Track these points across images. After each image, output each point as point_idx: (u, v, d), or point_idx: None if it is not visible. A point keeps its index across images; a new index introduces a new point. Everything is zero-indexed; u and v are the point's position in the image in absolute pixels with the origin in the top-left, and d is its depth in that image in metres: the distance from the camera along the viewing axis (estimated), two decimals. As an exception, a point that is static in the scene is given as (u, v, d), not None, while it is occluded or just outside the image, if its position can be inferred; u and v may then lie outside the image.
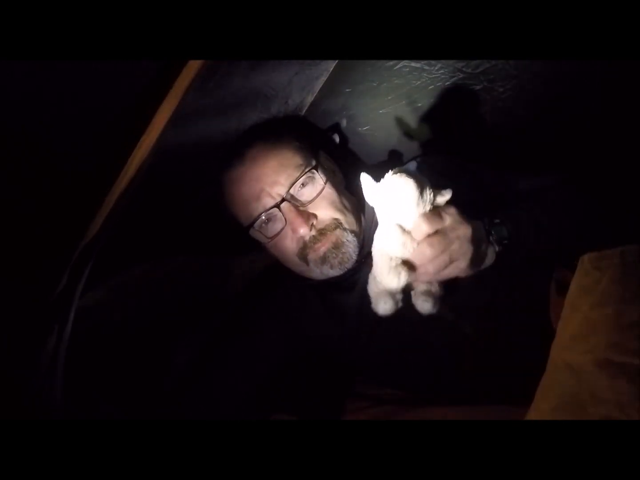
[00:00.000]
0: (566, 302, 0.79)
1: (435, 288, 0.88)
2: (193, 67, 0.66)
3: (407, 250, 0.82)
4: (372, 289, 0.90)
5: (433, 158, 1.20)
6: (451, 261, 0.83)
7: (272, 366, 1.12)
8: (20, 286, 0.72)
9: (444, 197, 0.83)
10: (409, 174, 0.80)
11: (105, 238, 0.73)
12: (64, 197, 0.71)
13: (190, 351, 1.16)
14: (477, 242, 0.86)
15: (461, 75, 1.13)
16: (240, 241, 1.17)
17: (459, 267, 0.84)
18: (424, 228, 0.81)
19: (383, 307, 0.87)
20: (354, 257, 1.06)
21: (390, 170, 0.83)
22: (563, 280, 0.93)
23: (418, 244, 0.82)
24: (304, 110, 1.20)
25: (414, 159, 1.23)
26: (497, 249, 0.90)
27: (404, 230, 0.82)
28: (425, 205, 0.81)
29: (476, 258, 0.86)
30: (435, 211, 0.83)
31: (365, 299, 1.05)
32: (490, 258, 0.90)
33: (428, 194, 0.81)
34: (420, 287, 0.88)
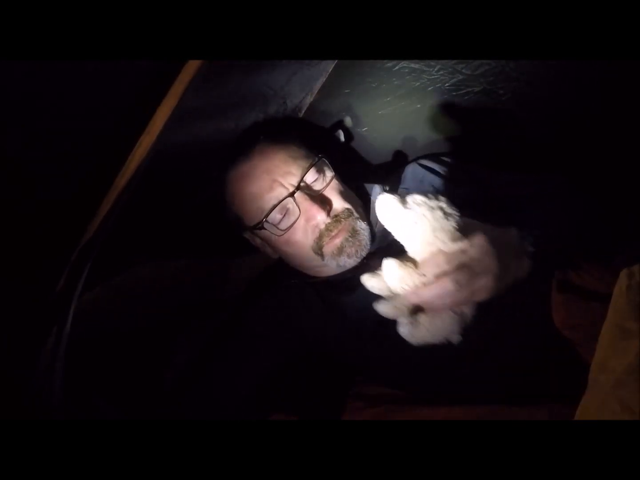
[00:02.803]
0: (612, 324, 0.67)
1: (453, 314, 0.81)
2: (192, 67, 0.66)
3: (404, 285, 0.77)
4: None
5: (433, 160, 1.20)
6: (473, 293, 0.77)
7: (272, 366, 1.12)
8: (19, 286, 0.72)
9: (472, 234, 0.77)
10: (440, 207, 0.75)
11: (103, 238, 0.73)
12: (63, 197, 0.71)
13: (190, 351, 1.16)
14: (504, 268, 0.79)
15: (460, 77, 1.13)
16: (239, 242, 1.17)
17: (480, 297, 0.79)
18: (445, 267, 0.76)
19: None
20: (369, 245, 1.06)
21: (416, 195, 0.77)
22: (564, 279, 0.93)
23: (437, 278, 0.76)
24: (303, 111, 1.21)
25: (414, 160, 1.23)
26: (534, 264, 0.84)
27: (403, 263, 0.77)
28: (445, 241, 0.76)
29: (500, 287, 0.80)
30: (459, 244, 0.77)
31: (365, 299, 1.05)
32: (522, 274, 0.84)
33: (449, 227, 0.76)
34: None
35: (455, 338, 0.82)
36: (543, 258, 0.86)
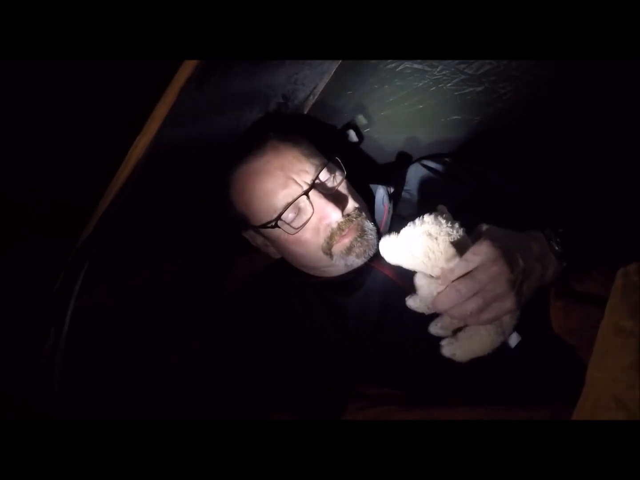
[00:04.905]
0: (608, 323, 0.67)
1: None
2: (188, 66, 0.66)
3: (429, 295, 0.83)
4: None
5: (437, 160, 1.20)
6: (487, 303, 0.79)
7: (272, 366, 1.11)
8: (17, 287, 0.72)
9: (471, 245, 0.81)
10: (429, 226, 0.80)
11: (101, 238, 0.73)
12: (60, 197, 0.71)
13: (191, 351, 1.16)
14: (525, 275, 0.81)
15: (463, 77, 1.13)
16: (240, 241, 1.17)
17: (505, 308, 0.80)
18: (449, 276, 0.79)
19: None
20: (376, 245, 1.06)
21: (406, 228, 0.82)
22: (562, 284, 0.93)
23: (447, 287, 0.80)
24: (305, 112, 1.20)
25: (416, 161, 1.23)
26: (564, 264, 0.85)
27: (431, 277, 0.82)
28: (439, 262, 0.79)
29: (527, 289, 0.81)
30: (453, 262, 0.80)
31: (367, 300, 1.05)
32: (550, 276, 0.85)
33: (441, 248, 0.79)
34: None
35: (514, 339, 0.88)
36: (571, 255, 0.86)
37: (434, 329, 0.86)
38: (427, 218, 0.80)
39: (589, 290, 0.88)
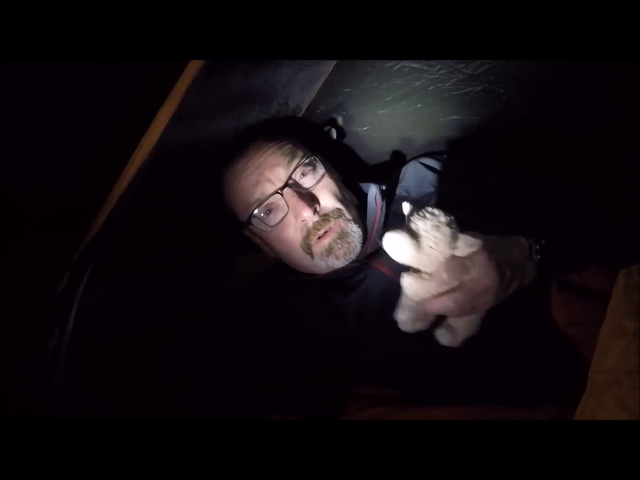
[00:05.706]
0: (610, 324, 0.67)
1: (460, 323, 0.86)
2: (194, 67, 0.66)
3: (422, 296, 0.82)
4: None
5: (435, 158, 1.20)
6: (475, 308, 0.83)
7: (272, 366, 1.11)
8: (21, 287, 0.72)
9: (472, 247, 0.81)
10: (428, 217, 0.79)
11: (105, 238, 0.73)
12: (65, 198, 0.71)
13: (191, 351, 1.16)
14: (508, 284, 0.84)
15: (461, 76, 1.13)
16: (240, 241, 1.17)
17: (484, 308, 0.85)
18: (444, 277, 0.80)
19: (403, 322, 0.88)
20: (359, 248, 1.06)
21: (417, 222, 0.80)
22: (564, 278, 0.93)
23: (441, 295, 0.81)
24: (303, 110, 1.20)
25: (414, 159, 1.23)
26: (541, 272, 0.88)
27: (419, 275, 0.82)
28: (443, 250, 0.79)
29: (505, 294, 0.85)
30: (461, 259, 0.80)
31: (365, 299, 1.05)
32: (527, 282, 0.88)
33: (443, 239, 0.78)
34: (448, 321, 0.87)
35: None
36: (549, 266, 0.88)
37: (415, 325, 0.87)
38: (435, 210, 0.81)
39: (591, 284, 0.88)
